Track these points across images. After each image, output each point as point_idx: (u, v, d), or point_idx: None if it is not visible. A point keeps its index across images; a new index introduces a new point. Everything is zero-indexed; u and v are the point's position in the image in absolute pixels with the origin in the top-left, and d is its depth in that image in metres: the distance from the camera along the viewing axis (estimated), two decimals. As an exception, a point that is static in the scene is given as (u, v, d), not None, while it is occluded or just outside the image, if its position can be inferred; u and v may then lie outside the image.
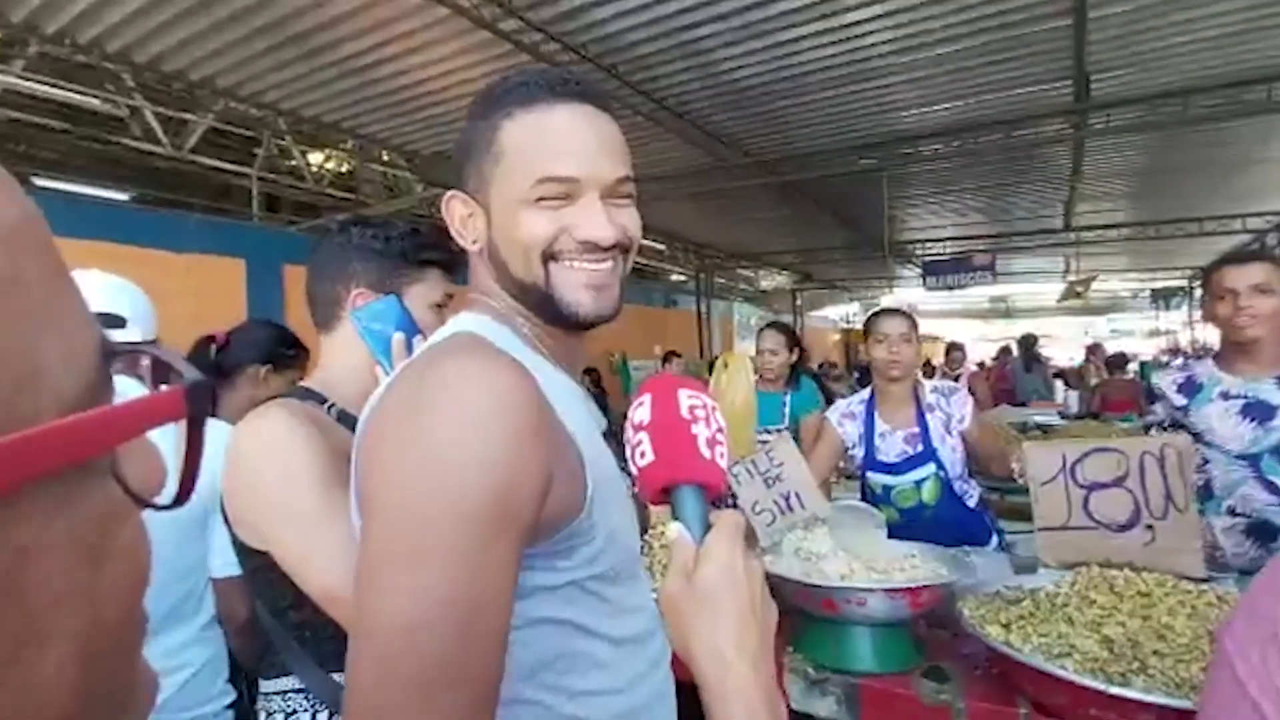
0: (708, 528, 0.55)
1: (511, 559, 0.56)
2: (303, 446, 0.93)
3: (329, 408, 1.05)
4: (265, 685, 1.04)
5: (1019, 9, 4.15)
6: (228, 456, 0.99)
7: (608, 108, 0.72)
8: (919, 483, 2.05)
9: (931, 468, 2.05)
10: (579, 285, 0.68)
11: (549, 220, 0.67)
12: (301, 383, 1.15)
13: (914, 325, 2.15)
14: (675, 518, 0.56)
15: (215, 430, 1.32)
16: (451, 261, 1.16)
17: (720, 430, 0.59)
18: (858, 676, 1.29)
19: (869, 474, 2.13)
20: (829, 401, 2.77)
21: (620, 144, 0.72)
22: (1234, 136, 6.28)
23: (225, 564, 1.23)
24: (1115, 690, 0.95)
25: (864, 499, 2.12)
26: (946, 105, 5.61)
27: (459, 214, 0.73)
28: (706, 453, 0.57)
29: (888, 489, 2.08)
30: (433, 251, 1.14)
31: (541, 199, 0.67)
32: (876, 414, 2.16)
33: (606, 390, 8.70)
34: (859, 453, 2.17)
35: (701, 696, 0.52)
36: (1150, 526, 1.18)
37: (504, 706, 0.62)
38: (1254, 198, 8.57)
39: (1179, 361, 2.14)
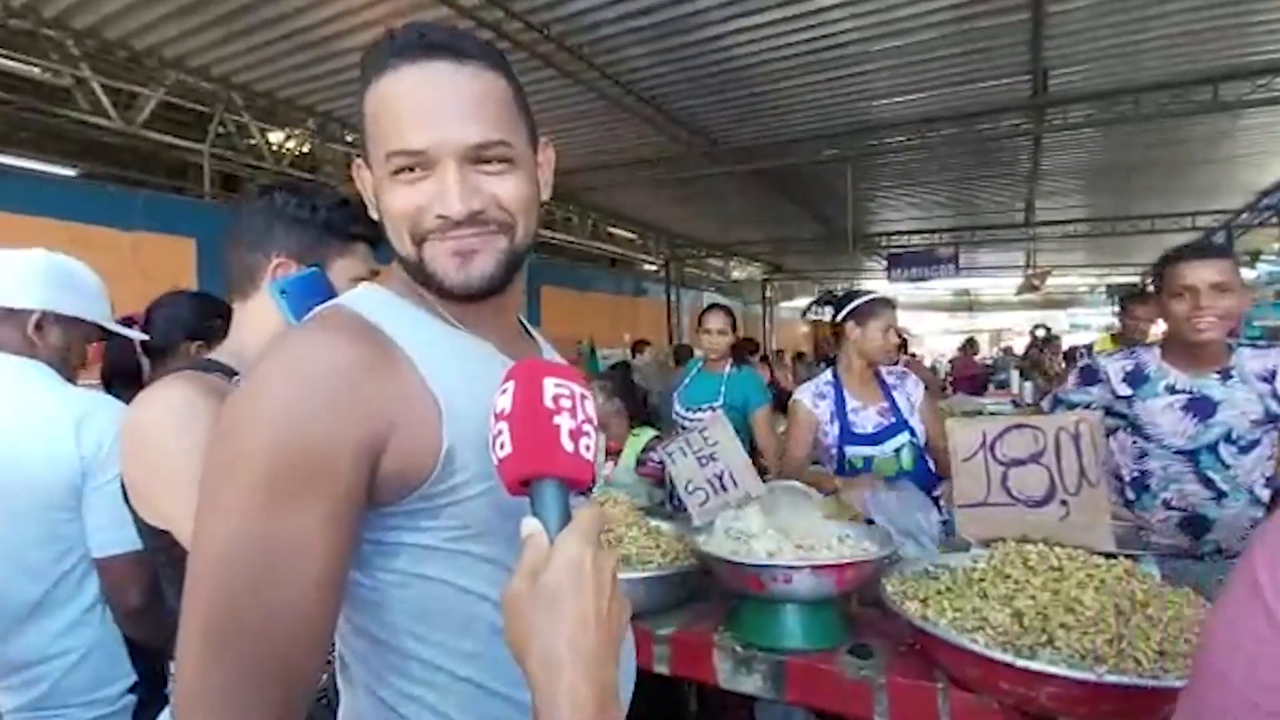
0: (567, 524, 0.54)
1: (320, 520, 0.55)
2: (201, 419, 0.90)
3: (237, 381, 1.01)
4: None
5: (980, 0, 4.19)
6: (124, 430, 0.95)
7: (480, 59, 0.65)
8: (898, 450, 2.14)
9: (906, 435, 2.15)
10: (445, 254, 0.65)
11: (409, 196, 0.64)
12: (210, 355, 1.10)
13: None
14: (534, 513, 0.55)
15: (109, 407, 1.25)
16: (379, 237, 1.12)
17: (589, 421, 0.57)
18: (784, 654, 1.29)
19: (848, 449, 2.17)
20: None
21: (490, 102, 0.65)
22: (1184, 137, 6.46)
23: (107, 543, 1.18)
24: (1021, 663, 0.96)
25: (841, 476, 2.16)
26: (911, 97, 5.67)
27: (367, 184, 0.71)
28: (569, 445, 0.55)
29: (868, 460, 2.14)
30: (361, 225, 1.09)
31: (397, 172, 0.64)
32: (845, 391, 2.22)
33: (575, 378, 8.66)
34: (833, 429, 2.20)
35: (532, 701, 0.50)
36: (1064, 502, 1.20)
37: (395, 655, 0.64)
38: (1204, 197, 8.87)
39: (1125, 349, 2.07)
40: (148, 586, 1.16)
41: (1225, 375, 1.77)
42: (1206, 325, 1.70)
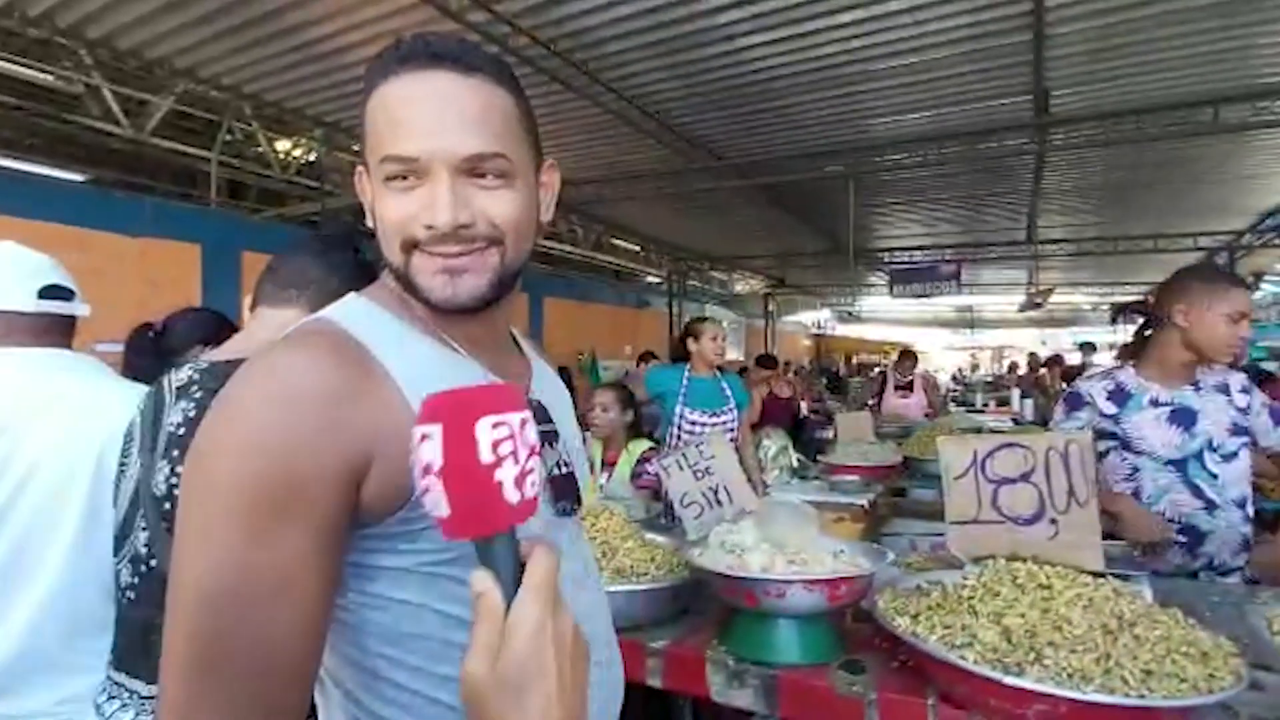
0: (520, 569, 0.49)
1: (305, 549, 0.54)
2: None
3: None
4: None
5: (983, 22, 4.24)
6: None
7: (486, 71, 0.65)
8: None
9: None
10: (433, 270, 0.64)
11: (400, 203, 0.64)
12: (214, 354, 1.12)
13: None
14: (481, 562, 0.49)
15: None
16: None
17: (533, 453, 0.50)
18: (777, 668, 1.30)
19: None
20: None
21: (491, 114, 0.64)
22: (1187, 157, 6.49)
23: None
24: (1009, 680, 0.97)
25: None
26: (914, 115, 5.71)
27: (366, 191, 0.70)
28: (514, 497, 0.48)
29: None
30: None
31: (389, 179, 0.64)
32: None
33: (577, 389, 8.76)
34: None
35: None
36: (1054, 521, 1.22)
37: (369, 676, 0.63)
38: (1207, 217, 8.88)
39: (1099, 370, 2.14)
40: None
41: (1196, 387, 1.90)
42: (1241, 349, 1.84)
